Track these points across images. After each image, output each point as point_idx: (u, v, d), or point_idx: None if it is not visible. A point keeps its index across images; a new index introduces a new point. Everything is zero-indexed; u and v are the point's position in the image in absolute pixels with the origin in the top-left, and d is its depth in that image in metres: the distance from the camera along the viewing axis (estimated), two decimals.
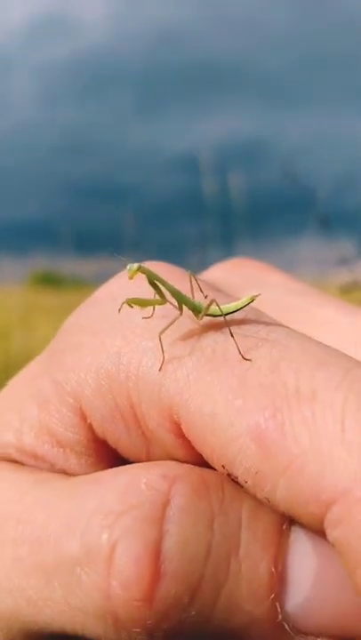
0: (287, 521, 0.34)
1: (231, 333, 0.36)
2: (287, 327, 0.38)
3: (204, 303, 0.39)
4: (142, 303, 0.38)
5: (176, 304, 0.39)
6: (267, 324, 0.38)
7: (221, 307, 0.38)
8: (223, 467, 0.33)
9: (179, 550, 0.32)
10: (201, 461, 0.35)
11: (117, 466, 0.38)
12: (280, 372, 0.32)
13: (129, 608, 0.32)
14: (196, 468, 0.35)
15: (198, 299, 0.40)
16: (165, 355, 0.36)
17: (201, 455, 0.35)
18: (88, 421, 0.40)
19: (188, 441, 0.35)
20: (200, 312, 0.39)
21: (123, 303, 0.38)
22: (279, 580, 0.33)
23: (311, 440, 0.30)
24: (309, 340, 0.35)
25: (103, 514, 0.33)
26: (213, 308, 0.38)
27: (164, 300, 0.39)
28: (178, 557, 0.32)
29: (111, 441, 0.40)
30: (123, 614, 0.32)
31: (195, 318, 0.39)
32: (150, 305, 0.39)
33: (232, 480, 0.34)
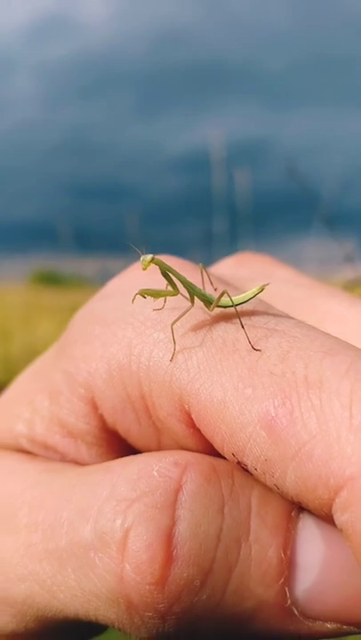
0: (296, 508, 0.34)
1: (242, 324, 0.36)
2: (295, 318, 0.38)
3: (215, 295, 0.39)
4: (155, 294, 0.39)
5: (188, 295, 0.40)
6: (275, 315, 0.39)
7: (235, 298, 0.39)
8: (233, 455, 0.34)
9: (190, 535, 0.32)
10: (211, 451, 0.36)
11: (128, 456, 0.38)
12: (289, 362, 0.33)
13: (142, 591, 0.32)
14: (207, 457, 0.36)
15: (209, 291, 0.40)
16: (177, 345, 0.36)
17: (211, 444, 0.36)
18: (99, 412, 0.40)
19: (199, 430, 0.36)
20: (211, 303, 0.39)
21: (136, 294, 0.39)
22: (288, 565, 0.33)
23: (320, 426, 0.30)
24: (316, 330, 0.36)
25: (116, 500, 0.34)
26: (224, 300, 0.39)
27: (176, 291, 0.40)
28: (189, 542, 0.32)
29: (122, 431, 0.40)
30: (136, 598, 0.32)
31: (206, 309, 0.40)
32: (163, 296, 0.40)
33: (242, 468, 0.34)
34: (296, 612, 0.33)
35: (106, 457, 0.41)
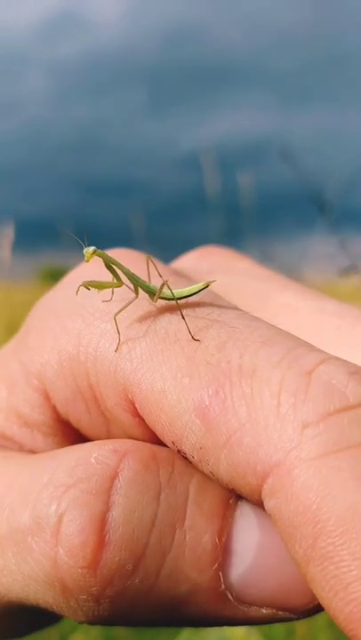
0: (234, 496, 0.35)
1: (182, 315, 0.37)
2: (240, 310, 0.39)
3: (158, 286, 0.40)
4: (99, 286, 0.40)
5: (132, 287, 0.40)
6: (220, 307, 0.39)
7: (177, 290, 0.40)
8: (173, 443, 0.35)
9: (124, 520, 0.33)
10: (157, 440, 0.37)
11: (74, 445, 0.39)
12: (226, 351, 0.34)
13: (75, 575, 0.33)
14: (149, 445, 0.36)
15: (159, 282, 0.41)
16: (121, 336, 0.37)
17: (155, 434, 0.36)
18: (52, 402, 0.41)
19: (144, 420, 0.36)
20: (155, 294, 0.40)
21: (80, 286, 0.40)
22: (223, 551, 0.34)
23: (249, 414, 0.31)
24: (259, 321, 0.36)
25: (54, 486, 0.35)
26: (167, 292, 0.39)
27: (120, 282, 0.40)
28: (122, 527, 0.33)
29: (74, 421, 0.41)
30: (69, 581, 0.33)
31: (151, 301, 0.40)
32: (107, 287, 0.40)
33: (182, 456, 0.35)
34: (231, 597, 0.34)
35: (61, 446, 0.42)
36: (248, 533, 0.34)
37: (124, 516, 0.33)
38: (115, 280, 0.40)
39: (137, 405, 0.36)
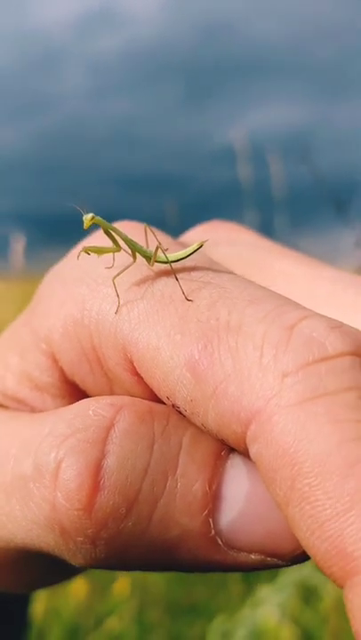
0: (226, 448, 0.37)
1: (176, 278, 0.39)
2: (234, 274, 0.41)
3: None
4: (98, 251, 0.42)
5: (130, 252, 0.42)
6: (215, 270, 0.41)
7: (172, 254, 0.41)
8: (168, 398, 0.37)
9: (118, 467, 0.35)
10: (156, 398, 0.39)
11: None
12: (215, 309, 0.36)
13: (71, 517, 0.35)
14: (146, 401, 0.38)
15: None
16: (121, 299, 0.39)
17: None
18: (59, 365, 0.43)
19: (142, 378, 0.38)
20: (151, 259, 0.42)
21: (80, 251, 0.42)
22: (213, 498, 0.36)
23: (234, 366, 0.33)
24: (251, 283, 0.38)
25: (53, 436, 0.37)
26: (162, 256, 0.41)
27: (118, 247, 0.42)
28: (117, 473, 0.35)
29: (80, 382, 0.43)
30: (67, 523, 0.35)
31: (148, 265, 0.42)
32: (106, 252, 0.42)
33: (177, 411, 0.37)
34: (220, 543, 0.36)
35: None
36: (238, 482, 0.36)
37: (119, 464, 0.35)
38: (113, 245, 0.42)
39: (135, 363, 0.38)
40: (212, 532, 0.36)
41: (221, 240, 0.50)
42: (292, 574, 1.99)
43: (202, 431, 0.36)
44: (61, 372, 0.44)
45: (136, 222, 0.47)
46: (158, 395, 0.38)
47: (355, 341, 0.33)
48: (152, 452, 0.36)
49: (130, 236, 0.43)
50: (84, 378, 0.42)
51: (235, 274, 0.41)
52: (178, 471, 0.36)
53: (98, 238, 0.45)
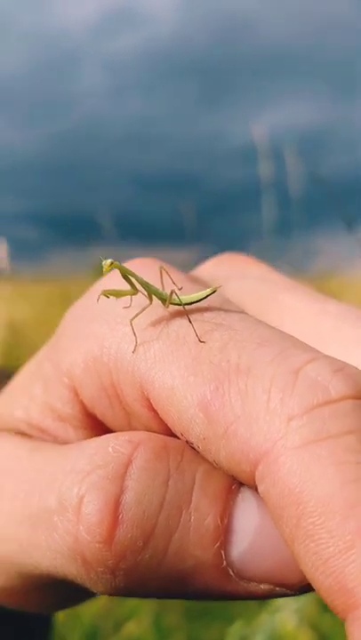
0: (237, 482, 0.39)
1: (190, 320, 0.41)
2: (244, 313, 0.43)
3: (177, 293, 0.44)
4: (117, 294, 0.44)
5: (146, 294, 0.45)
6: (226, 311, 0.43)
7: (185, 297, 0.44)
8: (182, 434, 0.39)
9: (136, 502, 0.37)
10: (170, 432, 0.41)
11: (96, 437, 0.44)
12: (226, 352, 0.38)
13: (93, 549, 0.38)
14: (161, 436, 0.41)
15: (171, 289, 0.45)
16: (138, 339, 0.41)
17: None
18: (80, 398, 0.46)
19: (158, 413, 0.41)
20: (166, 301, 0.44)
21: (100, 294, 0.44)
22: (225, 531, 0.38)
23: (244, 408, 0.35)
24: (260, 324, 0.40)
25: (75, 472, 0.40)
26: (174, 298, 0.43)
27: (135, 290, 0.45)
28: (134, 508, 0.37)
29: (99, 415, 0.46)
30: (88, 555, 0.38)
31: (163, 306, 0.44)
32: (124, 295, 0.45)
33: (190, 447, 0.39)
34: (232, 573, 0.38)
35: (90, 437, 0.47)
36: (248, 516, 0.38)
37: (136, 499, 0.38)
38: (131, 288, 0.45)
39: (151, 400, 0.40)
40: (224, 563, 0.38)
41: (233, 274, 0.52)
42: None
43: (214, 466, 0.39)
44: (82, 405, 0.46)
45: (151, 259, 0.49)
46: (173, 430, 0.40)
47: (356, 384, 0.35)
48: (167, 488, 0.38)
49: (145, 276, 0.46)
50: (103, 411, 0.45)
51: (245, 313, 0.43)
52: (191, 505, 0.38)
53: (113, 279, 0.48)
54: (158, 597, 0.40)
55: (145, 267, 0.48)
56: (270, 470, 0.33)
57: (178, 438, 0.40)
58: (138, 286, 0.45)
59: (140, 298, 0.45)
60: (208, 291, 0.44)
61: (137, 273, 0.46)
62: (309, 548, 0.31)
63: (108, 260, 0.45)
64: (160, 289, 0.45)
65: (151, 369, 0.40)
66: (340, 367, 0.35)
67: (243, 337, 0.39)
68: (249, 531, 0.38)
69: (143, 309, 0.43)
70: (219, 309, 0.43)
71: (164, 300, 0.44)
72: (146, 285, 0.45)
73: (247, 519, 0.38)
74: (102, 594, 0.40)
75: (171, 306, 0.44)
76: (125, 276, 0.45)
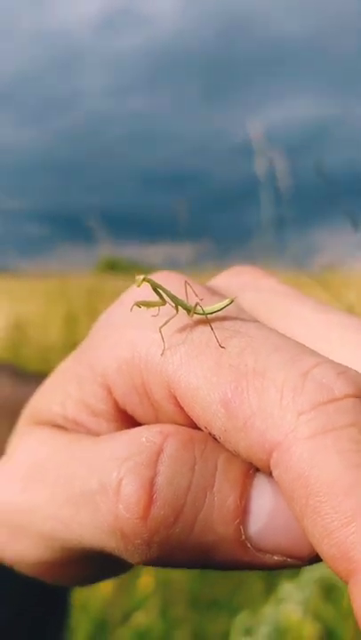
0: (253, 468, 0.45)
1: (211, 328, 0.47)
2: (258, 322, 0.49)
3: (193, 304, 0.50)
4: (148, 304, 0.50)
5: (173, 305, 0.51)
6: (243, 320, 0.49)
7: (207, 308, 0.50)
8: (205, 427, 0.45)
9: (167, 485, 0.43)
10: (194, 425, 0.47)
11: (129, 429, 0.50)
12: (244, 357, 0.43)
13: (131, 525, 0.44)
14: (188, 429, 0.46)
15: (195, 300, 0.51)
16: (166, 344, 0.47)
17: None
18: (113, 395, 0.52)
19: (184, 409, 0.47)
20: (190, 311, 0.50)
21: (133, 305, 0.50)
22: (243, 511, 0.44)
23: (260, 405, 0.41)
24: (272, 332, 0.46)
25: (114, 459, 0.46)
26: (198, 309, 0.49)
27: (163, 302, 0.51)
28: (166, 489, 0.43)
29: (130, 411, 0.51)
30: (127, 530, 0.44)
31: (188, 316, 0.50)
32: (154, 306, 0.51)
33: (213, 438, 0.45)
34: (250, 546, 0.44)
35: (120, 430, 0.53)
36: (263, 497, 0.44)
37: (167, 482, 0.43)
38: (160, 300, 0.51)
39: (178, 398, 0.46)
40: (243, 537, 0.44)
41: (247, 286, 0.58)
42: (314, 572, 2.05)
43: (232, 455, 0.45)
44: (115, 401, 0.52)
45: (175, 273, 0.55)
46: (197, 424, 0.46)
47: (357, 385, 0.41)
48: (194, 472, 0.44)
49: (171, 288, 0.51)
50: (134, 407, 0.51)
51: (259, 322, 0.49)
52: (215, 488, 0.44)
53: (140, 289, 0.53)
54: (185, 567, 0.47)
55: (170, 279, 0.54)
56: (283, 458, 0.39)
57: (202, 430, 0.46)
58: (166, 298, 0.51)
59: (167, 308, 0.51)
60: (226, 301, 0.50)
61: (163, 285, 0.52)
62: (316, 523, 0.37)
63: (141, 276, 0.51)
64: (184, 300, 0.51)
65: (178, 370, 0.46)
66: (343, 370, 0.41)
67: (258, 343, 0.44)
68: (264, 510, 0.44)
69: (171, 318, 0.49)
70: (236, 319, 0.49)
71: (188, 310, 0.50)
72: (173, 298, 0.51)
73: (263, 500, 0.44)
74: (137, 564, 0.47)
75: (194, 316, 0.50)
76: (155, 290, 0.51)
